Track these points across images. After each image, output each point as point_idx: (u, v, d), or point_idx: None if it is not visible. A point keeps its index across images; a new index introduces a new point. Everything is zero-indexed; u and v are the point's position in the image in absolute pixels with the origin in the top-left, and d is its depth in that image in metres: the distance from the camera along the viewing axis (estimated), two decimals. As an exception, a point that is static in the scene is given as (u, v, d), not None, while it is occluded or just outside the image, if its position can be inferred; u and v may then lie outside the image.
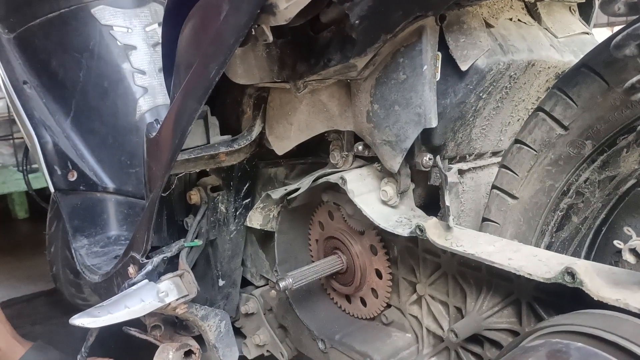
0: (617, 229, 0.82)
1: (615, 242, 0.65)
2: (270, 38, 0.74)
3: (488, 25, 0.84)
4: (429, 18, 0.76)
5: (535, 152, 0.78)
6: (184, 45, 0.89)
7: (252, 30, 0.73)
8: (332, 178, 0.94)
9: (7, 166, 2.83)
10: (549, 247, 0.82)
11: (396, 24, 0.73)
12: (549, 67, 0.88)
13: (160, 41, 1.62)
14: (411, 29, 0.77)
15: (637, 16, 0.56)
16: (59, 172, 1.57)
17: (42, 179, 1.94)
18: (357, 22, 0.69)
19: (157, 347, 1.12)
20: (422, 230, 0.80)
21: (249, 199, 1.17)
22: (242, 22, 0.71)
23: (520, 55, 0.84)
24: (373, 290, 1.01)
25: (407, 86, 0.80)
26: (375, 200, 0.92)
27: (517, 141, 0.80)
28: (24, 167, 1.91)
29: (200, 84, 0.81)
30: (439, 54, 0.80)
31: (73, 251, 1.45)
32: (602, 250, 0.84)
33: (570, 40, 0.93)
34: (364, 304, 1.05)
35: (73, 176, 1.55)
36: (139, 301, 0.97)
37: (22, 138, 1.76)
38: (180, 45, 0.90)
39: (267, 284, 1.25)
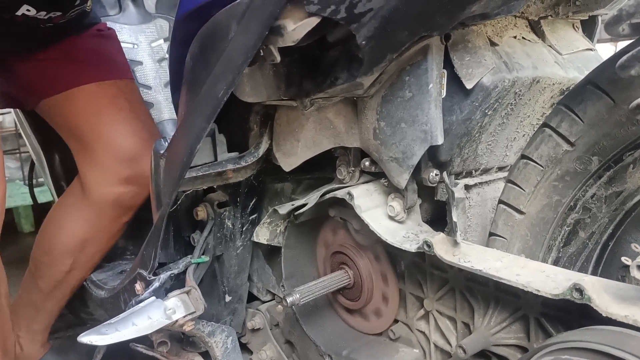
0: (624, 244, 0.83)
1: (622, 258, 0.65)
2: (278, 59, 0.75)
3: (492, 44, 0.85)
4: (434, 37, 0.77)
5: (541, 168, 0.79)
6: (192, 64, 0.90)
7: (260, 51, 0.74)
8: (339, 193, 0.94)
9: (13, 180, 2.84)
10: (556, 262, 0.83)
11: (402, 44, 0.74)
12: (553, 84, 0.89)
13: (166, 56, 1.65)
14: (417, 48, 0.78)
15: (642, 36, 0.57)
16: (65, 187, 1.58)
17: (48, 193, 1.94)
18: (363, 42, 0.70)
19: (164, 363, 1.12)
20: (429, 245, 0.80)
21: (256, 215, 1.17)
22: (251, 42, 0.72)
23: (525, 72, 0.85)
24: (380, 305, 1.01)
25: (413, 104, 0.81)
26: (382, 215, 0.92)
27: (523, 157, 0.81)
28: (30, 181, 1.91)
29: (208, 102, 0.82)
30: (445, 71, 0.82)
31: (79, 266, 1.45)
32: (609, 265, 0.84)
33: (574, 56, 0.94)
34: (371, 320, 1.05)
35: (79, 190, 1.55)
36: (146, 318, 0.97)
37: (28, 152, 1.77)
38: (188, 63, 0.91)
39: (274, 299, 1.25)
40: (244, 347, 1.26)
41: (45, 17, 1.17)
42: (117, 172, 1.25)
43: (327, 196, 0.97)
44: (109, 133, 1.27)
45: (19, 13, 1.12)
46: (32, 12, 1.13)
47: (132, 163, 1.25)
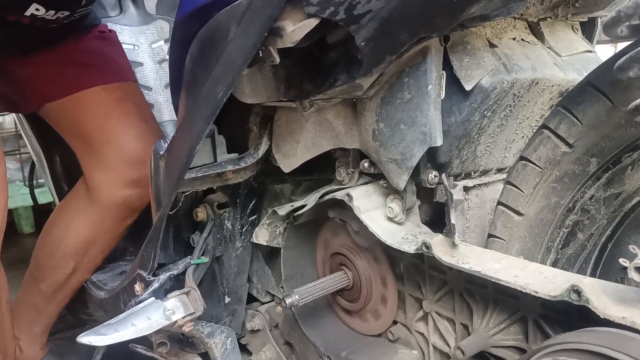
0: (622, 246, 0.83)
1: (620, 260, 0.65)
2: (277, 60, 0.75)
3: (492, 45, 0.85)
4: (433, 39, 0.77)
5: (540, 169, 0.79)
6: (192, 65, 0.90)
7: (260, 52, 0.74)
8: (339, 195, 0.95)
9: (13, 181, 2.84)
10: (554, 264, 0.83)
11: (401, 45, 0.74)
12: (552, 85, 0.89)
13: (166, 58, 1.65)
14: (416, 49, 0.78)
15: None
16: (66, 188, 1.58)
17: (49, 194, 1.95)
18: (362, 43, 0.70)
19: (163, 364, 1.12)
20: (428, 247, 0.80)
21: (255, 216, 1.17)
22: (250, 44, 0.72)
23: (524, 73, 0.85)
24: (379, 306, 1.01)
25: (412, 105, 0.81)
26: (381, 216, 0.92)
27: (522, 158, 0.81)
28: (30, 182, 1.92)
29: (208, 103, 0.82)
30: (444, 73, 0.82)
31: (79, 267, 1.45)
32: (607, 266, 0.84)
33: (573, 58, 0.94)
34: (370, 321, 1.05)
35: (79, 191, 1.55)
36: (145, 319, 0.97)
37: (29, 153, 1.77)
38: (188, 64, 0.91)
39: (273, 300, 1.25)
40: (243, 348, 1.26)
41: (53, 17, 1.17)
42: (125, 174, 1.26)
43: (326, 197, 0.97)
44: (117, 136, 1.27)
45: (27, 13, 1.12)
46: (41, 11, 1.13)
47: (139, 165, 1.26)
